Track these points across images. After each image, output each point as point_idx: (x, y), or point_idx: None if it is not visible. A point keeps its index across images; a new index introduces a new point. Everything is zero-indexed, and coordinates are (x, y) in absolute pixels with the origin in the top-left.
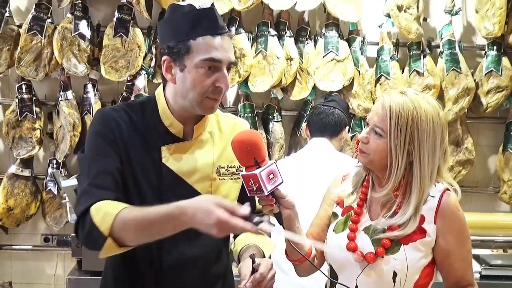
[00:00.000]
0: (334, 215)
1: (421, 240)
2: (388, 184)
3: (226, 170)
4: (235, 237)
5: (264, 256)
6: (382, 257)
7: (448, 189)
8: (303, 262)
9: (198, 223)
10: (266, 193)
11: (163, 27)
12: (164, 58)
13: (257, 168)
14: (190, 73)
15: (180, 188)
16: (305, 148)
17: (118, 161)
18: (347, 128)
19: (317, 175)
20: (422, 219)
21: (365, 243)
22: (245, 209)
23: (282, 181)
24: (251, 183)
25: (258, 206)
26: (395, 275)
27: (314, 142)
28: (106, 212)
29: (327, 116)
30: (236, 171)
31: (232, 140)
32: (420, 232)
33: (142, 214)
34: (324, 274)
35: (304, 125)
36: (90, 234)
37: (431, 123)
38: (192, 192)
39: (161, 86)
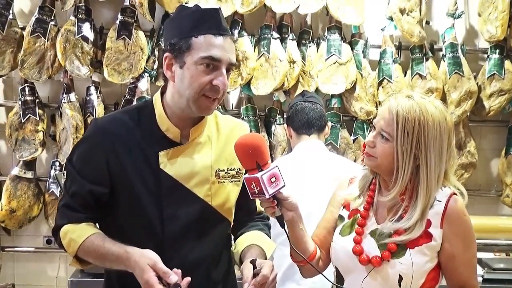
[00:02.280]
0: (341, 217)
1: (427, 245)
2: (394, 188)
3: (225, 173)
4: (235, 239)
5: (266, 257)
6: (388, 261)
7: (454, 194)
8: (307, 264)
9: (135, 274)
10: (267, 197)
11: (168, 26)
12: (165, 55)
13: (259, 171)
14: (189, 70)
15: (179, 193)
16: (299, 148)
17: (96, 179)
18: (330, 123)
19: (316, 177)
20: (428, 223)
21: (371, 247)
22: (173, 278)
23: (284, 185)
24: (253, 186)
25: (260, 208)
26: (400, 279)
27: (307, 143)
28: (72, 239)
29: (311, 111)
30: (236, 174)
31: (235, 143)
32: (426, 236)
33: (99, 248)
34: (327, 279)
35: (284, 125)
36: (61, 247)
37: (438, 127)
38: (191, 197)
39: (159, 91)
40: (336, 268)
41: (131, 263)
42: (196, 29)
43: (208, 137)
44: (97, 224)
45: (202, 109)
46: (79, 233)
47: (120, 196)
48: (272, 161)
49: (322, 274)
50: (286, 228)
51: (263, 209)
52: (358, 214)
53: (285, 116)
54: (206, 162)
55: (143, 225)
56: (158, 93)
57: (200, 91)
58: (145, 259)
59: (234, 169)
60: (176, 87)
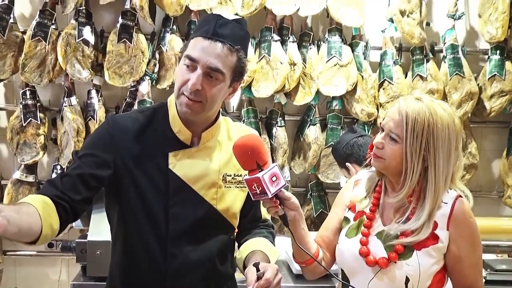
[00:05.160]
0: (346, 219)
1: (433, 246)
2: (403, 189)
3: (232, 178)
4: (239, 245)
5: (270, 262)
6: (395, 262)
7: (460, 196)
8: (310, 264)
9: None
10: (270, 196)
11: None
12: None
13: (259, 172)
14: (177, 68)
15: (186, 194)
16: None
17: (93, 166)
18: None
19: None
20: (435, 225)
21: (377, 248)
22: None
23: (285, 184)
24: (255, 187)
25: (265, 215)
26: (407, 280)
27: None
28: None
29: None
30: (243, 180)
31: (233, 145)
32: (433, 238)
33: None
34: (334, 276)
35: (348, 164)
36: None
37: (447, 130)
38: (197, 199)
39: (173, 94)
40: (342, 270)
41: None
42: (195, 32)
43: (218, 142)
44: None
45: (182, 106)
46: (26, 199)
47: (127, 192)
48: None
49: (329, 272)
50: (289, 226)
51: (268, 217)
52: (364, 216)
53: (286, 118)
54: (214, 166)
55: (148, 222)
56: (173, 96)
57: (179, 89)
58: None
59: (241, 175)
60: None
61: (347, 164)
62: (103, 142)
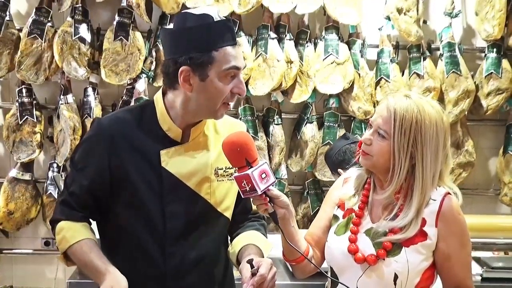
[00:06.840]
0: (335, 217)
1: (422, 243)
2: (390, 186)
3: (224, 171)
4: (231, 239)
5: (263, 256)
6: (384, 259)
7: (449, 193)
8: (301, 263)
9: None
10: (259, 193)
11: (178, 37)
12: (182, 68)
13: (249, 169)
14: (213, 82)
15: (181, 191)
16: None
17: (96, 179)
18: None
19: None
20: (424, 222)
21: (366, 245)
22: None
23: (275, 181)
24: (244, 184)
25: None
26: (396, 277)
27: None
28: (64, 237)
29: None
30: (235, 172)
31: (222, 142)
32: (421, 235)
33: (85, 255)
34: (325, 274)
35: (340, 171)
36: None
37: (435, 127)
38: (192, 195)
39: (160, 91)
40: (331, 268)
41: (102, 278)
42: (216, 43)
43: (207, 137)
44: (94, 223)
45: (220, 115)
46: (72, 233)
47: (121, 194)
48: (270, 161)
49: (320, 270)
50: (279, 224)
51: None
52: (353, 213)
53: (283, 116)
54: (206, 160)
55: (144, 223)
56: (160, 94)
57: (222, 100)
58: (112, 282)
59: (232, 168)
60: (193, 97)
61: (339, 170)
62: (96, 149)
